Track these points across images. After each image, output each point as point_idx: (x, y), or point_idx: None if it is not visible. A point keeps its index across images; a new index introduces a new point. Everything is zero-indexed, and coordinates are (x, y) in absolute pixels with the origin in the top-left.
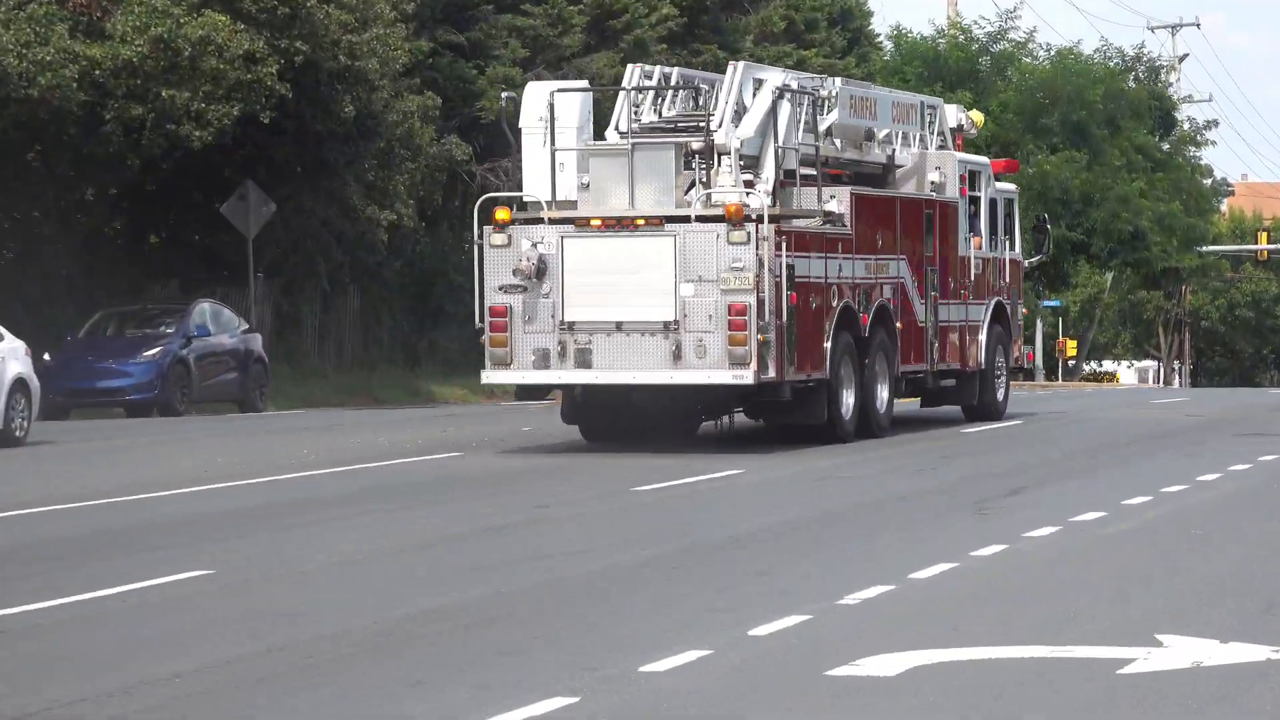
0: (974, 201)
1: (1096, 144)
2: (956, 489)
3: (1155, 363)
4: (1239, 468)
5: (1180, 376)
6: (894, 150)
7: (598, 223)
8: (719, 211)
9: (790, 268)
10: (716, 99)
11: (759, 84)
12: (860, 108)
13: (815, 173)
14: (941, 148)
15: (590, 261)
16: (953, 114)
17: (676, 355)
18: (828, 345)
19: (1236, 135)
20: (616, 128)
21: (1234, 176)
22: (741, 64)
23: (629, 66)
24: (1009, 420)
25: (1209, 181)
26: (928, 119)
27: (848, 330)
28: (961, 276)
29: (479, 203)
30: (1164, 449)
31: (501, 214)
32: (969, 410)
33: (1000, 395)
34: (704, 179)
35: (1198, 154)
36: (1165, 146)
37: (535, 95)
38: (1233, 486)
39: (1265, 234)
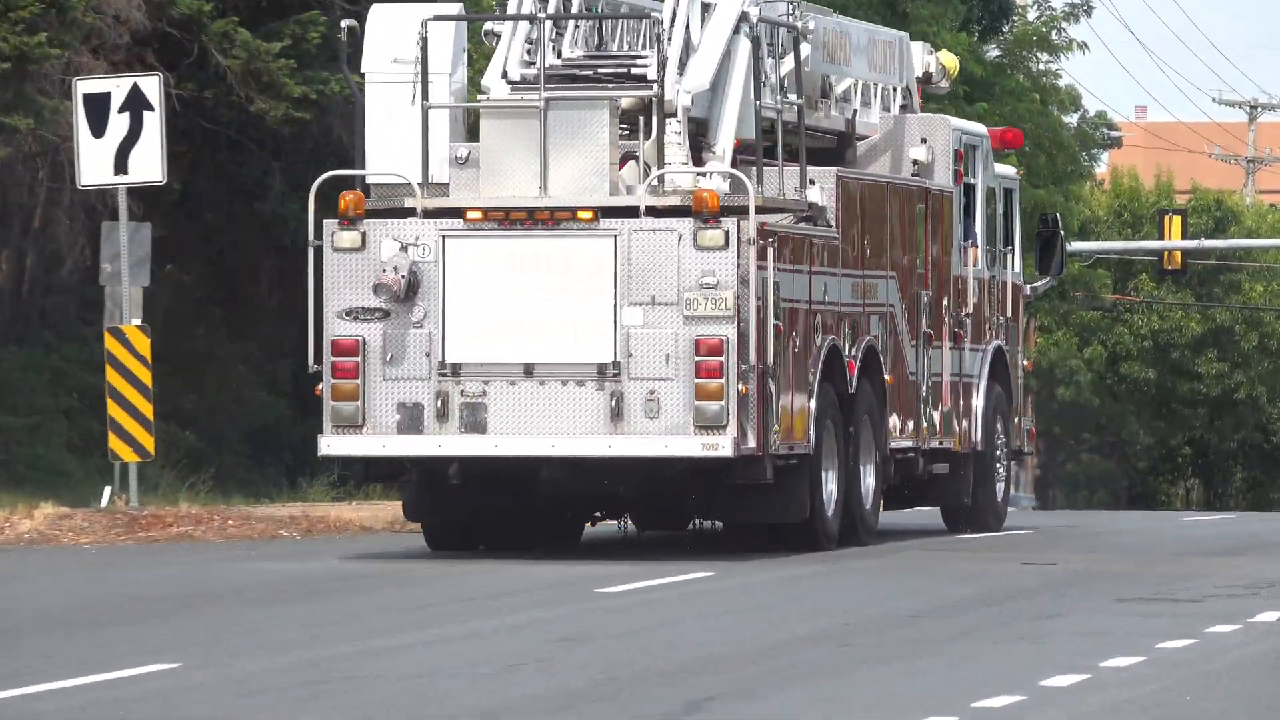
0: (968, 192)
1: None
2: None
3: None
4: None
5: (1019, 484)
6: (854, 111)
7: (499, 215)
8: (679, 201)
9: (776, 286)
10: (648, 32)
11: (707, 10)
12: (833, 48)
13: (773, 144)
14: (904, 107)
15: (486, 274)
16: (918, 56)
17: (616, 413)
18: (812, 405)
19: (1136, 59)
20: (505, 74)
21: (1123, 113)
22: None
23: None
24: (1011, 530)
25: (1073, 119)
26: (899, 65)
27: (831, 383)
28: (956, 307)
29: (316, 184)
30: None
31: (351, 201)
32: (954, 514)
33: (999, 492)
34: (651, 154)
35: (1051, 64)
36: (993, 52)
37: (389, 25)
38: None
39: (1178, 220)
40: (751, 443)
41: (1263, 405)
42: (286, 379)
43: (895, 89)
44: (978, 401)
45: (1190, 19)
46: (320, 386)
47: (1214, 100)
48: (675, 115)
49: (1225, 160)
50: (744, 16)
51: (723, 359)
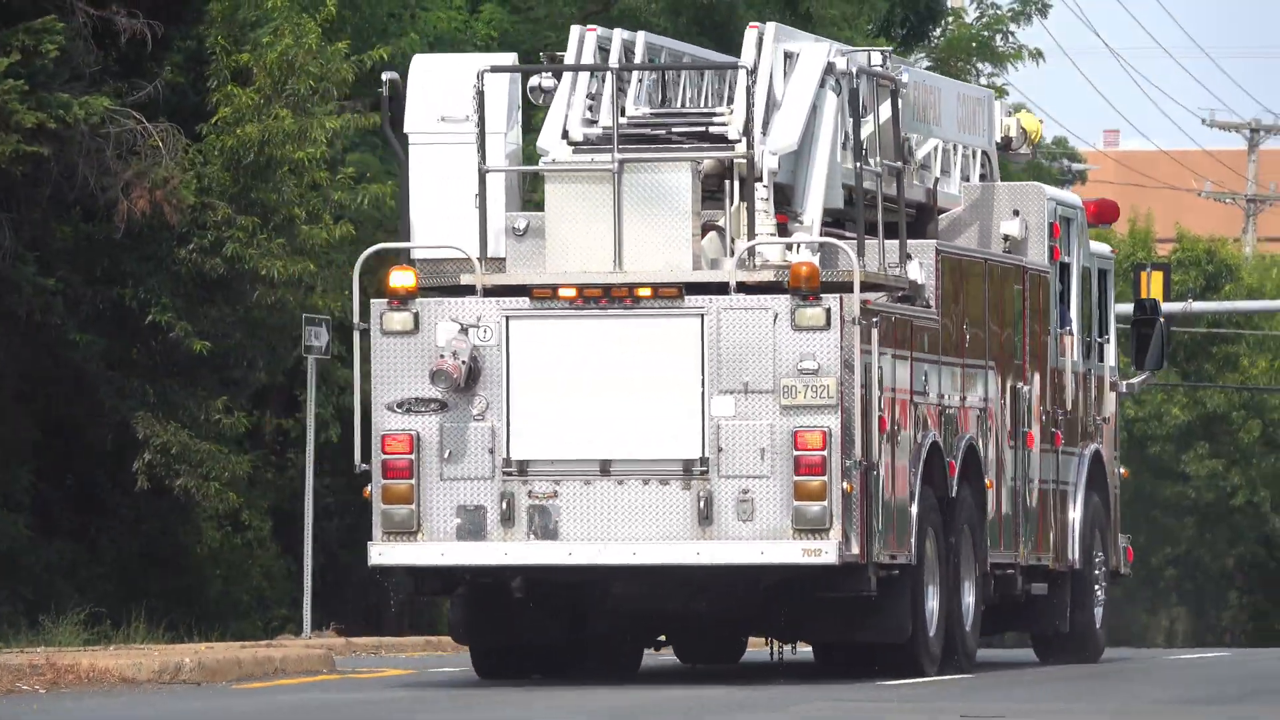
0: (1064, 273)
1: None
2: None
3: None
4: None
5: None
6: (935, 179)
7: (570, 292)
8: (773, 276)
9: (880, 372)
10: (717, 87)
11: (789, 60)
12: (923, 106)
13: (863, 215)
14: (984, 176)
15: (557, 359)
16: (998, 117)
17: (704, 516)
18: (914, 510)
19: (1106, 71)
20: (565, 135)
21: (1088, 141)
22: (772, 27)
23: (574, 30)
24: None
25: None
26: (985, 127)
27: (931, 486)
28: (1054, 404)
29: (361, 259)
30: None
31: (404, 279)
32: (1047, 642)
33: (1099, 618)
34: (732, 224)
35: (996, 76)
36: (922, 63)
37: (435, 78)
38: None
39: (1159, 276)
40: (855, 549)
41: (1266, 513)
42: (24, 489)
43: (977, 154)
44: (1075, 514)
45: (1174, 19)
46: (369, 488)
47: (1204, 123)
48: (761, 179)
49: (1219, 199)
50: (829, 68)
51: (825, 454)
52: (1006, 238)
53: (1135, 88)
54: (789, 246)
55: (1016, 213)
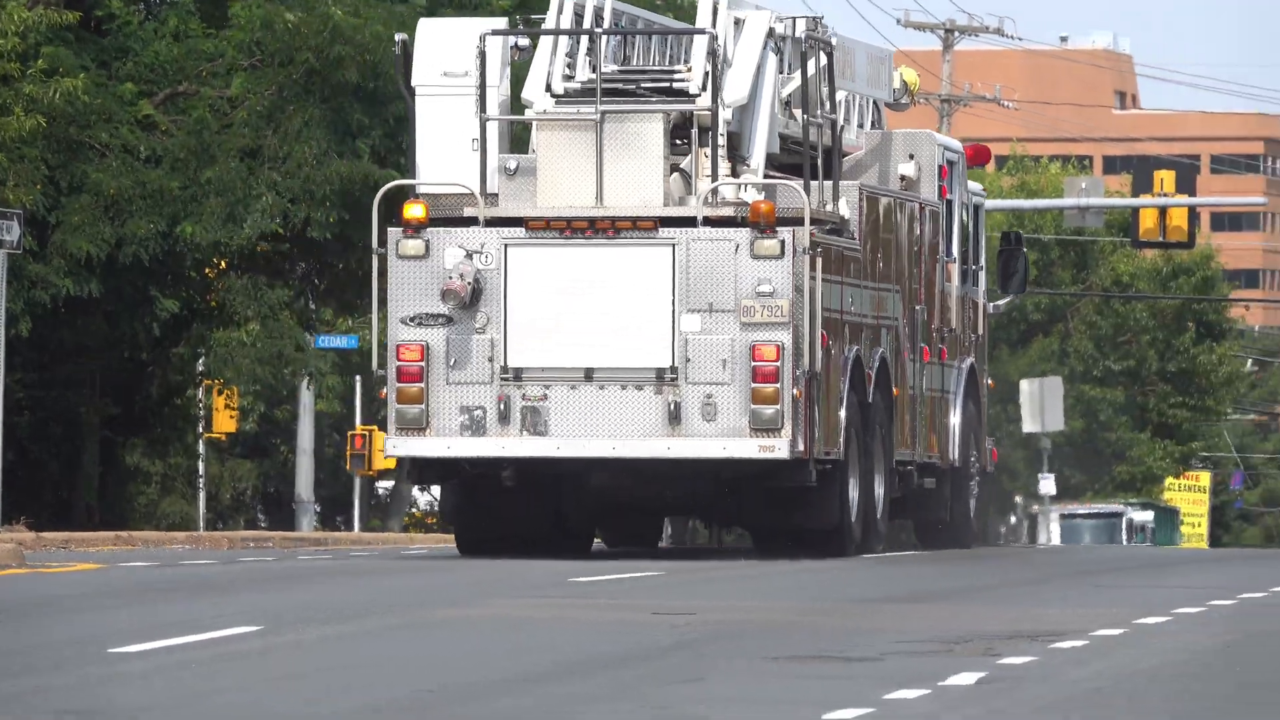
0: (948, 209)
1: None
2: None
3: None
4: None
5: None
6: (841, 126)
7: (560, 224)
8: (733, 212)
9: (821, 296)
10: (674, 47)
11: (738, 25)
12: (843, 65)
13: (794, 160)
14: (874, 123)
15: (547, 281)
16: (894, 72)
17: (674, 417)
18: (842, 414)
19: None
20: (549, 88)
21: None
22: None
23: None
24: (647, 573)
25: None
26: (885, 82)
27: (854, 393)
28: (941, 323)
29: (379, 194)
30: None
31: (416, 211)
32: (930, 530)
33: (973, 509)
34: (691, 166)
35: None
36: None
37: (441, 38)
38: None
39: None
40: (800, 446)
41: None
42: None
43: (869, 103)
44: (955, 420)
45: None
46: (384, 390)
47: (899, 23)
48: (715, 128)
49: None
50: (770, 32)
51: (779, 364)
52: (904, 178)
53: None
54: (742, 187)
55: (912, 156)
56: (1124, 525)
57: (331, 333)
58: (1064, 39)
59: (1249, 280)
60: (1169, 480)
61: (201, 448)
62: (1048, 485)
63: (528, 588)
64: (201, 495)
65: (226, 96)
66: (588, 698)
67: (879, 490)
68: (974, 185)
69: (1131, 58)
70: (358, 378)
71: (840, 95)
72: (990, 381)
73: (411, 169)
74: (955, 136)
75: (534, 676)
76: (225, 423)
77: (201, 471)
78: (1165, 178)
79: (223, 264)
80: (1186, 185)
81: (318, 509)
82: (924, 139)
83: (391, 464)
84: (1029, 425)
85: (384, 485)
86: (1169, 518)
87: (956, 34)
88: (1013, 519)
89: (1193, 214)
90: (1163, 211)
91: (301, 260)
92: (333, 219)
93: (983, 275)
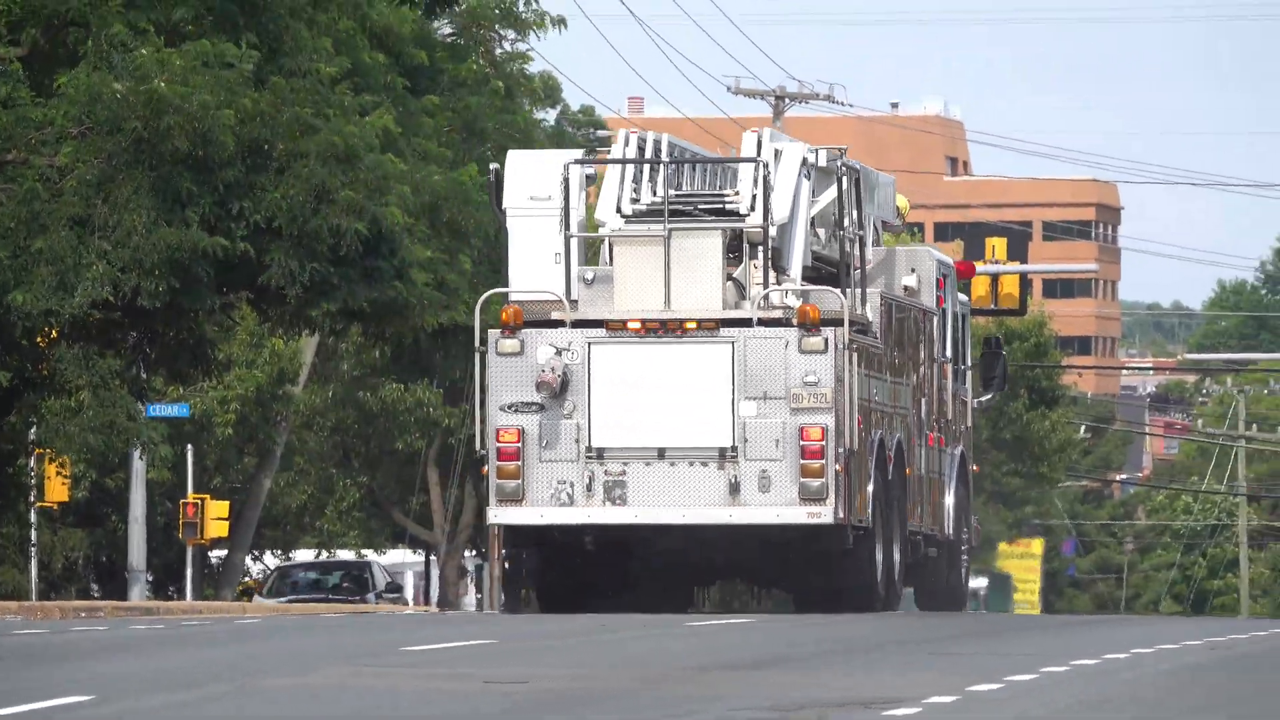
0: (942, 315)
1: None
2: None
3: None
4: None
5: (483, 583)
6: (866, 242)
7: (636, 325)
8: (782, 314)
9: (856, 386)
10: (722, 173)
11: (777, 156)
12: (867, 189)
13: (829, 270)
14: (875, 241)
15: (625, 373)
16: (895, 196)
17: (734, 489)
18: (870, 488)
19: (630, 38)
20: (619, 209)
21: (613, 108)
22: (767, 131)
23: (620, 133)
24: (473, 640)
25: (549, 116)
26: (890, 204)
27: (879, 470)
28: (939, 414)
29: (481, 300)
30: None
31: (514, 313)
32: (930, 594)
33: (964, 578)
34: (742, 275)
35: (520, 44)
36: (445, 29)
37: (527, 167)
38: None
39: None
40: (842, 514)
41: None
42: None
43: (875, 223)
44: (949, 499)
45: None
46: (486, 468)
47: (730, 90)
48: (761, 243)
49: None
50: (804, 161)
51: (824, 443)
52: (906, 288)
53: (660, 55)
54: (786, 293)
55: (913, 270)
56: None
57: (163, 401)
58: (895, 105)
59: (1081, 347)
60: (1002, 546)
61: (34, 516)
62: None
63: (363, 655)
64: (34, 564)
65: (55, 165)
66: None
67: (896, 556)
68: (961, 296)
69: (963, 124)
70: (189, 446)
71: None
72: (975, 466)
73: (506, 278)
74: None
75: None
76: (58, 491)
77: (34, 540)
78: (997, 245)
79: (54, 333)
80: (1018, 252)
81: (150, 578)
82: (924, 255)
83: (224, 531)
84: None
85: (216, 554)
86: (1002, 584)
87: (787, 101)
88: None
89: (1024, 281)
90: (995, 279)
91: (133, 329)
92: (162, 287)
93: (969, 374)
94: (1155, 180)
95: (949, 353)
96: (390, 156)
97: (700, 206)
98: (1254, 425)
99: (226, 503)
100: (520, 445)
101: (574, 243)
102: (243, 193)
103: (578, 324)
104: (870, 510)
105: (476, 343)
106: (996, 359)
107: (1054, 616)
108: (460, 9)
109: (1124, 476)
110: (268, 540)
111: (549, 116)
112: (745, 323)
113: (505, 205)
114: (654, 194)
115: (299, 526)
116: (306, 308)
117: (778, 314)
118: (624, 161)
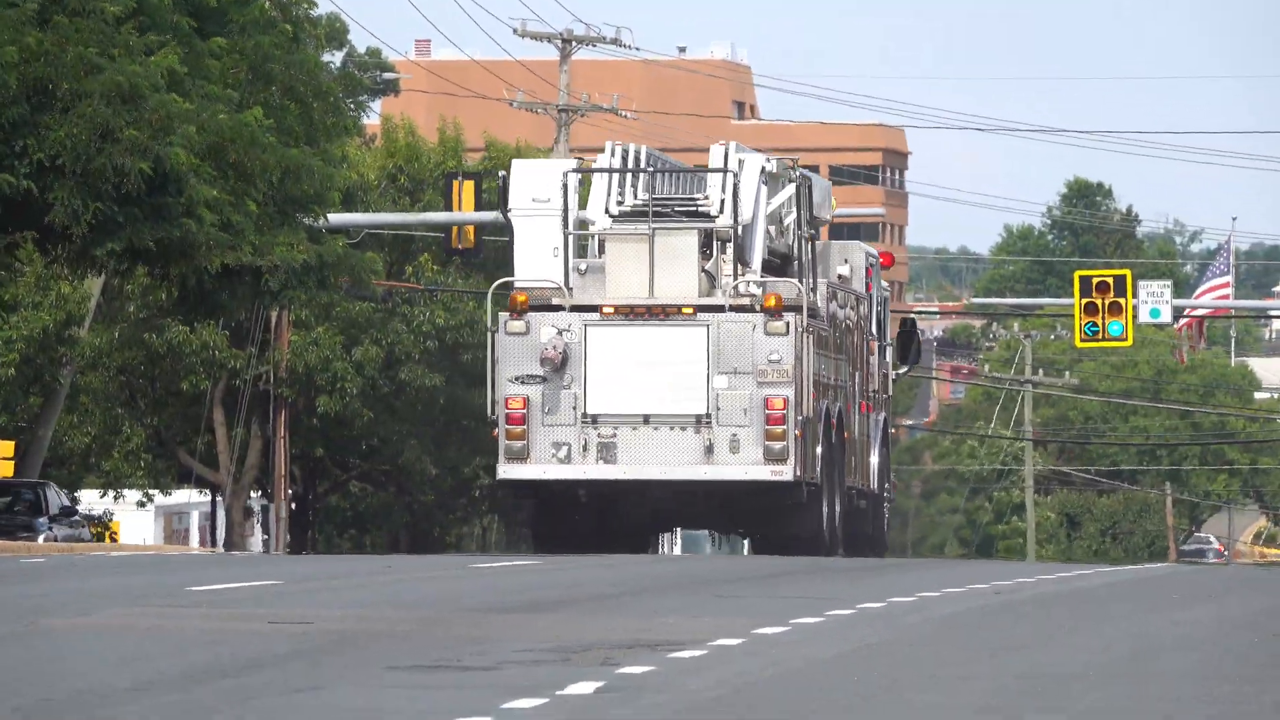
0: (870, 299)
1: None
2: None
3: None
4: None
5: (269, 524)
6: (816, 239)
7: (625, 310)
8: (749, 301)
9: (811, 363)
10: (692, 180)
11: (740, 165)
12: (818, 194)
13: (778, 261)
14: (813, 236)
15: (616, 351)
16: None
17: (708, 450)
18: (818, 450)
19: None
20: (607, 210)
21: (400, 50)
22: (732, 144)
23: (608, 144)
24: (267, 580)
25: (336, 58)
26: (828, 204)
27: (826, 434)
28: (867, 386)
29: (493, 287)
30: None
31: (521, 299)
32: (857, 541)
33: (885, 527)
34: (713, 267)
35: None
36: None
37: (530, 174)
38: None
39: (470, 185)
40: (799, 472)
41: None
42: None
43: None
44: (875, 458)
45: None
46: (496, 430)
47: (516, 32)
48: (729, 240)
49: (531, 109)
50: (761, 170)
51: (785, 412)
52: (841, 276)
53: None
54: (750, 284)
55: (846, 260)
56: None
57: None
58: (682, 50)
59: None
60: None
61: None
62: None
63: (145, 597)
64: None
65: None
66: (208, 708)
67: (838, 508)
68: (884, 283)
69: (750, 69)
70: None
71: (794, 215)
72: (894, 430)
73: (514, 269)
74: (575, 146)
75: (153, 685)
76: None
77: None
78: None
79: None
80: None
81: None
82: (855, 248)
83: (9, 471)
84: None
85: None
86: None
87: (574, 44)
88: None
89: None
90: None
91: None
92: None
93: (890, 350)
94: (943, 125)
95: (875, 331)
96: (175, 96)
97: (676, 209)
98: (1040, 370)
99: (11, 443)
100: (525, 411)
101: (571, 239)
102: (27, 131)
103: (575, 309)
104: (819, 469)
105: (488, 323)
106: (911, 336)
107: (842, 560)
108: None
109: (910, 422)
110: (53, 480)
111: (335, 59)
112: (719, 309)
113: (510, 207)
114: (636, 197)
115: (85, 467)
116: (92, 247)
117: (745, 301)
118: (618, 171)
